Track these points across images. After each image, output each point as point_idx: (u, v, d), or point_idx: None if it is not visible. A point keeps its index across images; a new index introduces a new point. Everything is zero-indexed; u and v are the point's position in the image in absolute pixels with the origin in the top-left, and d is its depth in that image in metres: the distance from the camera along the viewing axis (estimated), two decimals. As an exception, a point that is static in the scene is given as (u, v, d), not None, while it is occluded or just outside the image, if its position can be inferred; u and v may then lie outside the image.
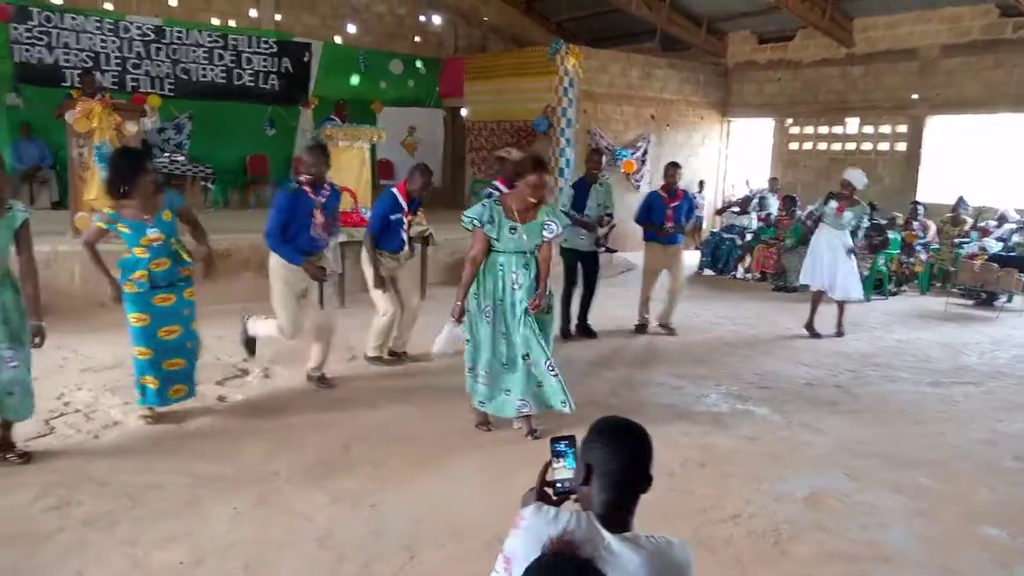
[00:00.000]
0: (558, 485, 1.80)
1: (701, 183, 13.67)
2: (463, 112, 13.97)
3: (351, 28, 11.97)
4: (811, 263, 7.57)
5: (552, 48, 11.61)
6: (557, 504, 1.78)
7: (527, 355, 4.42)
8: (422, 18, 13.36)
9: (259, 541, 3.31)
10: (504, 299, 4.43)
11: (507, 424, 4.74)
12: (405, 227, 5.81)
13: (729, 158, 14.67)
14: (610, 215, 7.07)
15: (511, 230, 4.34)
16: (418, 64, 13.90)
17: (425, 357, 6.07)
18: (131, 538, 3.27)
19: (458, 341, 4.58)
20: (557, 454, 1.83)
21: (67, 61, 10.87)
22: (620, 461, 1.69)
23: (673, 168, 7.40)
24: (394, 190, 5.83)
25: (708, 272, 11.52)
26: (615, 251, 7.76)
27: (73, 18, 10.84)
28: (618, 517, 1.68)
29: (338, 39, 12.67)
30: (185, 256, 4.47)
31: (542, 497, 1.80)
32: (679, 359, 6.69)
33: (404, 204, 5.75)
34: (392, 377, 5.80)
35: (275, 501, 3.68)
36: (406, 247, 5.89)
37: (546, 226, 4.40)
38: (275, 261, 5.02)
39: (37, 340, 3.88)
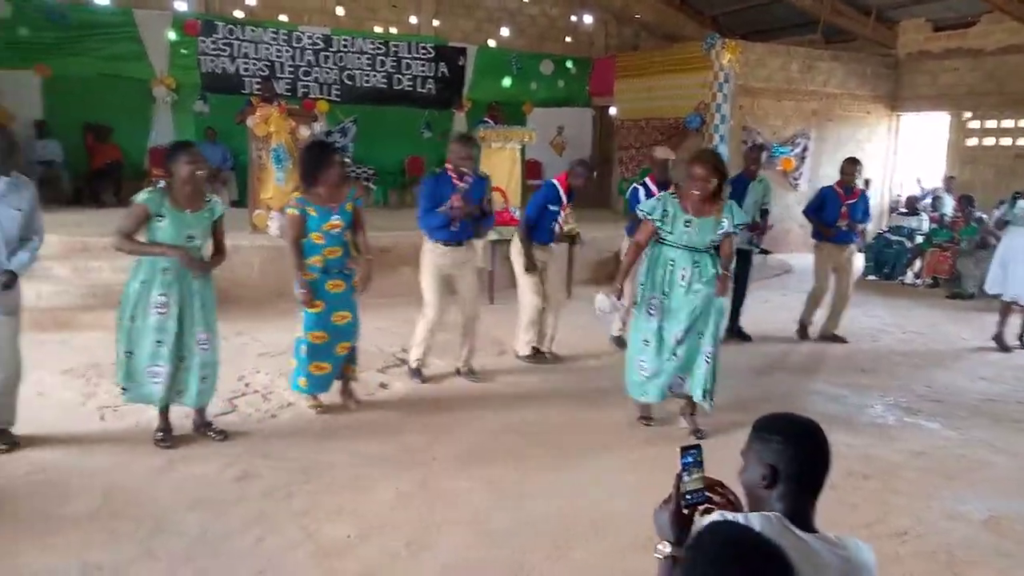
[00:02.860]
0: (688, 497, 1.73)
1: (867, 182, 12.86)
2: (612, 111, 13.91)
3: (504, 31, 12.24)
4: (999, 270, 6.97)
5: (707, 43, 11.33)
6: (689, 517, 1.72)
7: (701, 333, 4.42)
8: (573, 18, 13.42)
9: (418, 521, 3.48)
10: (670, 294, 4.41)
11: (662, 423, 4.71)
12: (559, 220, 5.89)
13: (898, 155, 13.73)
14: (766, 212, 6.85)
15: (686, 223, 4.32)
16: (568, 64, 13.99)
17: (574, 357, 6.15)
18: (304, 510, 3.54)
19: (613, 306, 4.64)
20: (688, 465, 1.76)
21: (246, 70, 11.82)
22: (811, 460, 1.63)
23: (851, 164, 6.94)
24: (555, 181, 5.92)
25: (872, 277, 10.82)
26: (769, 252, 7.42)
27: (252, 30, 11.77)
28: (806, 518, 1.61)
29: (492, 43, 12.98)
30: (353, 252, 4.75)
31: (678, 512, 1.72)
32: (840, 367, 6.36)
33: (564, 197, 5.85)
34: (541, 373, 5.88)
35: (432, 485, 3.86)
36: (554, 240, 5.95)
37: (721, 223, 4.36)
38: (425, 248, 5.28)
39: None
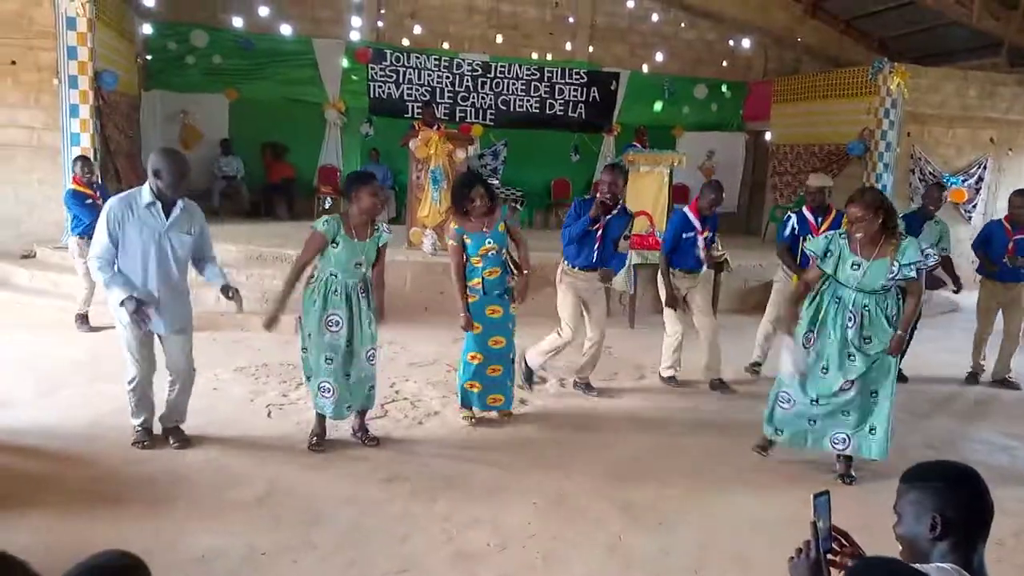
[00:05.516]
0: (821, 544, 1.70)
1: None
2: (767, 136, 13.52)
3: (659, 56, 12.22)
4: None
5: (874, 67, 10.82)
6: (828, 569, 1.67)
7: (875, 392, 4.22)
8: (731, 43, 13.19)
9: (554, 536, 3.55)
10: (832, 335, 4.20)
11: (808, 462, 4.55)
12: (701, 245, 5.83)
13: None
14: (947, 258, 6.39)
15: (853, 265, 4.09)
16: (723, 88, 13.75)
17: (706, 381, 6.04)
18: (446, 514, 3.70)
19: (800, 362, 4.27)
20: (821, 513, 1.71)
21: (409, 95, 12.47)
22: (977, 504, 1.57)
23: (1020, 197, 6.41)
24: (685, 209, 5.95)
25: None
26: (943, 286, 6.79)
27: (417, 57, 12.40)
28: (981, 570, 1.55)
29: (645, 67, 12.99)
30: (512, 268, 4.96)
31: (819, 563, 1.68)
32: (1012, 415, 5.86)
33: (696, 222, 5.81)
34: (681, 399, 5.81)
35: (569, 503, 3.92)
36: (704, 267, 5.92)
37: (892, 269, 4.04)
38: (562, 271, 5.54)
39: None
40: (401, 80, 12.39)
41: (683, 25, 13.49)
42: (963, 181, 11.75)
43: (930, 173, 11.51)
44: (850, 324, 4.16)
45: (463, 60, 12.55)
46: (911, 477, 1.67)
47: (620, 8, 12.77)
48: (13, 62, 8.54)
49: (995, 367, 6.67)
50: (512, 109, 12.88)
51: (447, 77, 12.54)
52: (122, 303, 3.96)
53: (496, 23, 12.62)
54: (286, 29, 10.64)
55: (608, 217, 5.33)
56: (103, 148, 8.78)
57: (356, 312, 4.31)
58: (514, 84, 12.81)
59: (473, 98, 12.69)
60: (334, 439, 4.55)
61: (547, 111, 13.03)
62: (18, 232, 8.72)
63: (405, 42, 12.19)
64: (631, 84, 13.25)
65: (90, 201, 6.68)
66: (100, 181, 7.72)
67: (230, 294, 4.27)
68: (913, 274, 4.08)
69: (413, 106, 12.31)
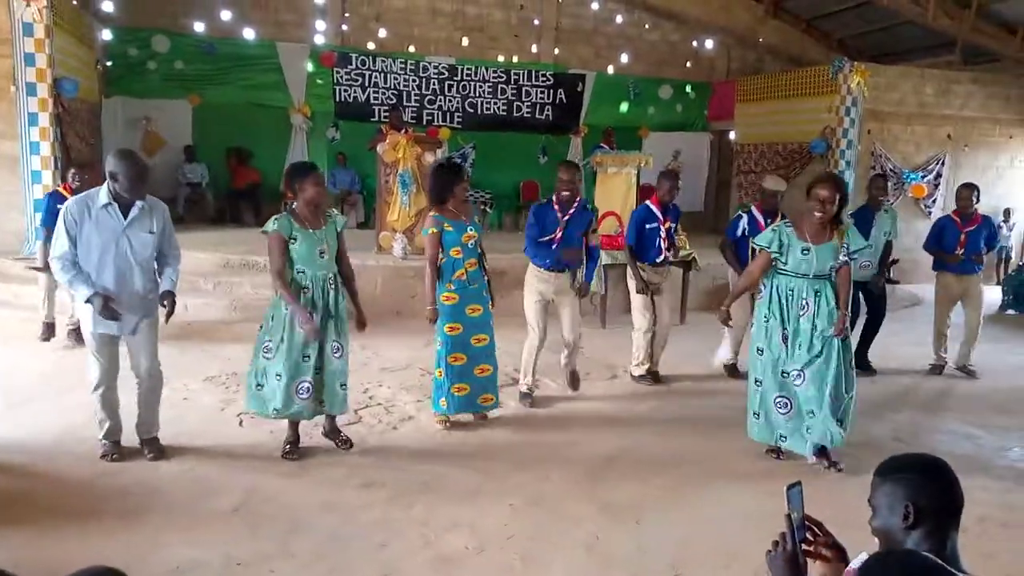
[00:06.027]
0: (795, 534, 1.74)
1: (1007, 211, 12.10)
2: (731, 135, 13.70)
3: (624, 58, 12.32)
4: None
5: (835, 66, 11.03)
6: (804, 561, 1.71)
7: (824, 383, 4.31)
8: (695, 43, 13.34)
9: (533, 538, 3.56)
10: (792, 326, 4.37)
11: (786, 456, 4.63)
12: (663, 236, 5.94)
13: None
14: (890, 243, 6.67)
15: (803, 251, 4.29)
16: (687, 89, 13.90)
17: (686, 383, 6.13)
18: (424, 519, 3.70)
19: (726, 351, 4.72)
20: (795, 504, 1.74)
21: (376, 99, 12.41)
22: (948, 492, 1.62)
23: (967, 190, 6.72)
24: (647, 202, 6.08)
25: (1011, 312, 10.13)
26: (895, 282, 7.08)
27: (383, 61, 12.35)
28: (955, 558, 1.59)
29: (610, 69, 13.08)
30: (486, 261, 5.01)
31: (795, 555, 1.71)
32: (976, 406, 6.01)
33: (658, 213, 5.93)
34: (655, 399, 5.86)
35: (547, 504, 3.94)
36: (663, 255, 5.98)
37: (842, 248, 4.30)
38: (528, 272, 5.46)
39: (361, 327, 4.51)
40: (367, 84, 12.33)
41: (647, 26, 13.61)
42: (922, 177, 12.02)
43: (891, 170, 11.75)
44: (803, 313, 4.33)
45: (429, 63, 12.53)
46: (884, 470, 1.71)
47: (585, 10, 12.85)
48: (-32, 69, 8.35)
49: (958, 355, 6.86)
50: (479, 112, 12.89)
51: (413, 80, 12.51)
52: (88, 300, 3.92)
53: (461, 26, 12.62)
54: (249, 33, 10.52)
55: (567, 217, 5.30)
56: (64, 156, 8.61)
57: (325, 306, 4.28)
58: (481, 87, 12.82)
59: (440, 101, 12.67)
60: (309, 446, 4.52)
61: (514, 113, 13.07)
62: (-24, 243, 8.53)
63: (370, 45, 12.12)
64: (597, 85, 13.34)
65: None
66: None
67: (164, 303, 4.16)
68: (852, 257, 4.37)
69: (380, 110, 12.26)
